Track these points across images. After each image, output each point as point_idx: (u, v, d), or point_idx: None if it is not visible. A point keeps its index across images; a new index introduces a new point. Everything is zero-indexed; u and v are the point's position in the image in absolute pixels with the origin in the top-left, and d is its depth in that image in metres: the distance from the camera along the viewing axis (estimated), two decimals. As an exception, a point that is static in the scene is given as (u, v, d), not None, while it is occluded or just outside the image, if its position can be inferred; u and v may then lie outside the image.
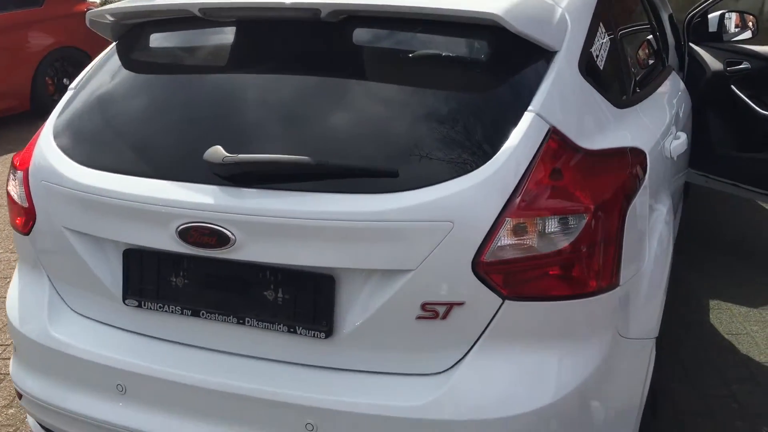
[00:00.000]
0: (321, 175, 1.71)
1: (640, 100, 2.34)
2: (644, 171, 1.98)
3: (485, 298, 1.67)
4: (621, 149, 1.90)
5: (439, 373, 1.73)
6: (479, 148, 1.70)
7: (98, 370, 1.94)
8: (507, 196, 1.65)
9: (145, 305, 1.92)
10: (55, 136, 2.06)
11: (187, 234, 1.77)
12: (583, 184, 1.71)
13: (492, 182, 1.65)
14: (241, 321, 1.82)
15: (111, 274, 1.95)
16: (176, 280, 1.88)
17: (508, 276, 1.66)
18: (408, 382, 1.74)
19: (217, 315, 1.84)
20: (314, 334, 1.76)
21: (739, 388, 2.87)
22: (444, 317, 1.69)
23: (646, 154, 2.02)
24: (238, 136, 1.82)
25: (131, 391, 1.91)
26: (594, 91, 1.96)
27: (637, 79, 2.52)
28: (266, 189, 1.73)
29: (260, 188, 1.73)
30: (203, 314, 1.86)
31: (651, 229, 2.01)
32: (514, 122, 1.72)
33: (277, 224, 1.70)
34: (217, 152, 1.74)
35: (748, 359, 3.09)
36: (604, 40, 2.14)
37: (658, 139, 2.26)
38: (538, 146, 1.71)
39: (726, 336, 3.29)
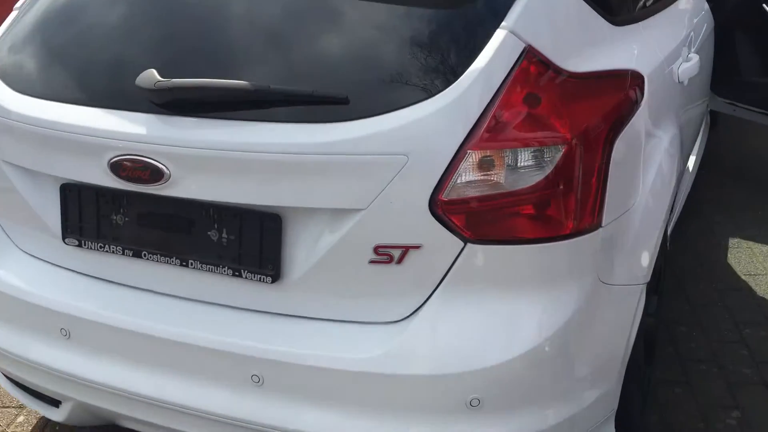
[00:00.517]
0: (262, 102, 1.52)
1: (647, 17, 2.07)
2: (640, 96, 1.74)
3: (445, 241, 1.48)
4: (612, 72, 1.67)
5: (396, 322, 1.56)
6: (441, 71, 1.48)
7: (41, 313, 1.81)
8: (470, 126, 1.44)
9: (85, 245, 1.77)
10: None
11: (119, 167, 1.60)
12: (562, 110, 1.49)
13: (453, 109, 1.44)
14: (184, 263, 1.67)
15: (50, 211, 1.80)
16: (116, 218, 1.72)
17: (470, 216, 1.47)
18: (361, 331, 1.57)
19: (159, 256, 1.69)
20: (260, 278, 1.60)
21: (751, 333, 2.67)
22: (399, 262, 1.51)
23: (644, 78, 1.79)
24: (177, 60, 1.63)
25: (75, 337, 1.78)
26: (585, 6, 1.71)
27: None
28: (203, 118, 1.55)
29: (196, 117, 1.55)
30: (145, 255, 1.70)
31: (647, 162, 1.78)
32: (484, 41, 1.50)
33: (215, 157, 1.52)
34: (150, 76, 1.55)
35: (764, 302, 2.88)
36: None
37: (662, 61, 2.01)
38: (509, 68, 1.48)
39: (743, 276, 3.08)
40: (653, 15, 2.13)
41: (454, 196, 1.45)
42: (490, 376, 1.51)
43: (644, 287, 1.76)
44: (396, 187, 1.45)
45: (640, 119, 1.72)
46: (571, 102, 1.52)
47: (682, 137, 2.19)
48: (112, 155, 1.60)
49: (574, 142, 1.48)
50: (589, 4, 1.73)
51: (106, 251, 1.74)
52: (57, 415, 1.97)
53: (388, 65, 1.51)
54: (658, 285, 2.30)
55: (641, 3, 2.07)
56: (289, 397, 1.59)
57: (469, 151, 1.43)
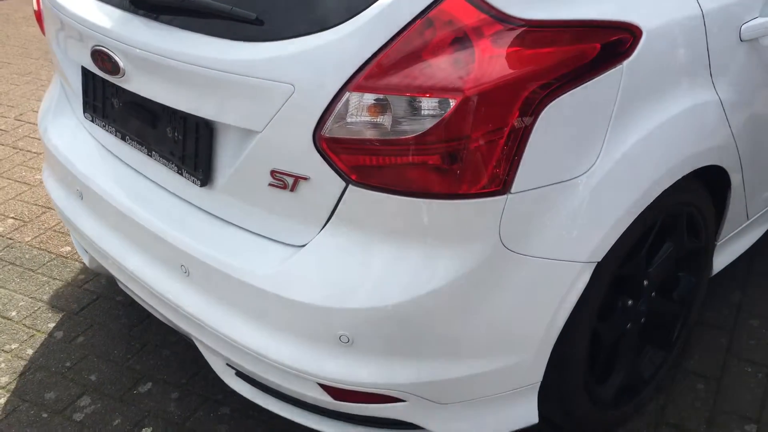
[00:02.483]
0: (190, 11, 1.58)
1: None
2: (620, 54, 1.51)
3: (329, 178, 1.47)
4: (576, 22, 1.46)
5: (298, 246, 1.60)
6: (346, 3, 1.42)
7: (67, 175, 2.09)
8: (358, 65, 1.38)
9: (95, 121, 2.00)
10: None
11: (96, 56, 1.77)
12: (466, 60, 1.37)
13: (344, 45, 1.39)
14: (150, 153, 1.83)
15: (78, 87, 2.04)
16: (114, 101, 1.91)
17: (351, 158, 1.44)
18: (269, 248, 1.64)
19: (135, 143, 1.86)
20: (192, 180, 1.71)
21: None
22: (292, 189, 1.53)
23: (639, 33, 1.54)
24: None
25: (85, 199, 2.05)
26: (572, -61, 1.50)
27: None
28: (151, 20, 1.65)
29: (148, 18, 1.65)
30: (127, 139, 1.89)
31: (623, 132, 1.56)
32: (404, -27, 1.40)
33: (149, 59, 1.63)
34: (117, -23, 1.67)
35: None
36: None
37: (702, 14, 1.68)
38: (424, 7, 1.38)
39: None
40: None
41: (333, 134, 1.42)
42: (360, 318, 1.51)
43: (588, 267, 1.59)
44: (284, 116, 1.46)
45: (611, 80, 1.51)
46: (489, 53, 1.38)
47: (738, 106, 1.85)
48: (92, 44, 1.77)
49: (471, 97, 1.36)
50: (581, -60, 1.50)
51: (107, 130, 1.96)
52: (86, 259, 2.30)
53: (304, -10, 1.47)
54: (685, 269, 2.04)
55: None
56: (206, 293, 1.72)
57: (348, 92, 1.39)
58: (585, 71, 1.46)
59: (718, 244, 2.16)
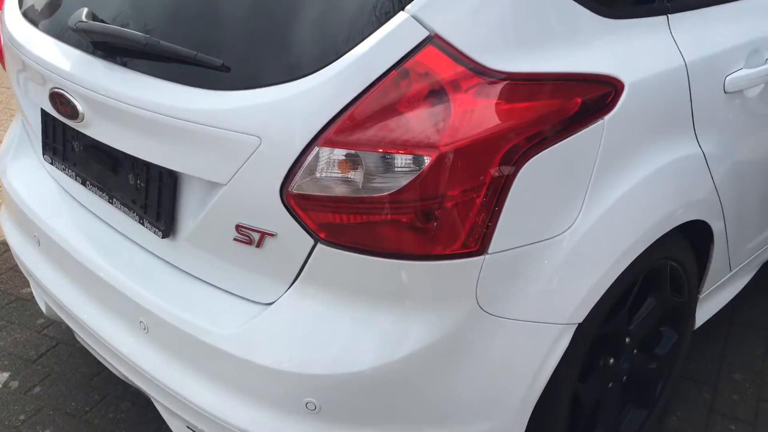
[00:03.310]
0: (153, 56, 1.50)
1: (690, 8, 1.69)
2: (601, 109, 1.46)
3: (296, 235, 1.39)
4: (557, 75, 1.41)
5: (264, 304, 1.51)
6: (320, 52, 1.35)
7: (25, 220, 1.99)
8: (328, 118, 1.31)
9: (55, 164, 1.90)
10: None
11: (54, 99, 1.68)
12: (443, 115, 1.30)
13: (313, 97, 1.32)
14: (110, 200, 1.74)
15: (38, 127, 1.95)
16: (75, 144, 1.82)
17: (319, 215, 1.36)
18: (233, 305, 1.55)
19: (95, 188, 1.77)
20: (154, 231, 1.62)
21: None
22: (258, 245, 1.45)
23: (620, 87, 1.48)
24: (112, 6, 1.64)
25: (43, 245, 1.94)
26: (553, -8, 1.44)
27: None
28: (112, 63, 1.57)
29: (107, 61, 1.57)
30: (88, 184, 1.80)
31: (603, 187, 1.50)
32: (378, 24, 1.33)
33: (109, 104, 1.54)
34: (77, 16, 1.59)
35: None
36: None
37: (688, 64, 1.64)
38: (398, 58, 1.31)
39: None
40: (705, 6, 1.73)
41: (301, 190, 1.34)
42: (328, 384, 1.42)
43: (569, 329, 1.52)
44: (250, 169, 1.38)
45: (593, 135, 1.45)
46: (466, 107, 1.32)
47: (722, 159, 1.80)
48: (50, 86, 1.68)
49: (446, 153, 1.29)
50: (562, -9, 1.45)
51: (67, 174, 1.86)
52: (42, 306, 2.19)
53: (273, 38, 1.40)
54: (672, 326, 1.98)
55: None
56: (165, 351, 1.62)
57: (317, 147, 1.31)
58: (565, 126, 1.40)
59: (701, 297, 2.10)
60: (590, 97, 1.44)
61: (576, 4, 1.46)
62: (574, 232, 1.46)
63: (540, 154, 1.37)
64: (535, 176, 1.38)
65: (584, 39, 1.47)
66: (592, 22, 1.49)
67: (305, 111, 1.32)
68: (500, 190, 1.35)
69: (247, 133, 1.35)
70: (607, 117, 1.47)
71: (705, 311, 2.17)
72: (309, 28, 1.38)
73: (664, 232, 1.63)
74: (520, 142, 1.35)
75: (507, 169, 1.34)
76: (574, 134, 1.42)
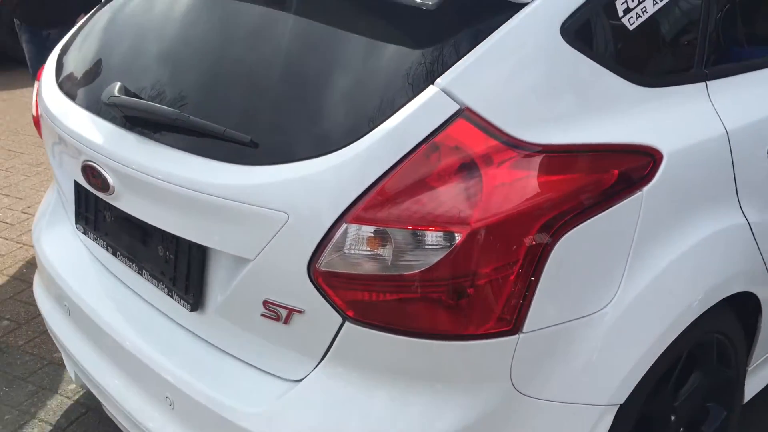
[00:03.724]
0: (182, 131, 1.50)
1: (728, 74, 1.65)
2: (639, 180, 1.41)
3: (324, 313, 1.35)
4: (594, 146, 1.37)
5: (295, 381, 1.46)
6: (349, 127, 1.33)
7: (57, 289, 1.99)
8: (356, 194, 1.28)
9: (87, 234, 1.90)
10: (57, 55, 2.08)
11: (86, 171, 1.69)
12: (476, 189, 1.27)
13: (341, 172, 1.30)
14: (140, 271, 1.72)
15: (71, 197, 1.96)
16: (107, 214, 1.82)
17: (347, 292, 1.32)
18: (263, 381, 1.51)
19: (125, 259, 1.76)
20: (183, 303, 1.60)
21: None
22: (286, 322, 1.41)
23: (659, 157, 1.44)
24: (145, 81, 1.65)
25: (73, 315, 1.93)
26: (588, 61, 1.40)
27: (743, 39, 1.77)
28: (143, 137, 1.57)
29: (139, 135, 1.57)
30: (118, 255, 1.79)
31: (643, 261, 1.44)
32: (408, 99, 1.31)
33: (139, 178, 1.54)
34: (110, 91, 1.60)
35: None
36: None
37: (729, 132, 1.58)
38: (428, 132, 1.29)
39: None
40: (744, 72, 1.69)
41: (329, 267, 1.31)
42: (358, 468, 1.36)
43: (609, 410, 1.45)
44: (278, 245, 1.35)
45: (631, 207, 1.40)
46: (498, 181, 1.28)
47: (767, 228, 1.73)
48: (83, 159, 1.69)
49: (478, 230, 1.25)
50: (595, 59, 1.41)
51: (98, 243, 1.86)
52: (71, 374, 2.17)
53: (301, 113, 1.39)
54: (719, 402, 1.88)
55: (708, 57, 1.62)
56: (191, 429, 1.58)
57: (345, 224, 1.28)
58: (602, 199, 1.35)
59: (750, 369, 2.00)
60: (627, 169, 1.39)
61: (610, 73, 1.43)
62: (614, 308, 1.40)
63: (576, 228, 1.33)
64: (571, 251, 1.33)
65: (620, 108, 1.43)
66: (628, 91, 1.45)
67: (333, 186, 1.30)
68: (534, 266, 1.30)
69: (274, 208, 1.33)
70: (645, 188, 1.42)
71: (755, 384, 2.07)
72: (338, 103, 1.37)
73: (710, 305, 1.56)
74: (554, 216, 1.30)
75: (541, 245, 1.29)
76: (611, 207, 1.37)
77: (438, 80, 1.31)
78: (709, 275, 1.55)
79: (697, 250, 1.52)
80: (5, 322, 2.99)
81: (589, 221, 1.34)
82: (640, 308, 1.43)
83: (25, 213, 4.03)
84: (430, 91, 1.30)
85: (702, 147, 1.53)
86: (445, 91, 1.30)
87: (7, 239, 3.72)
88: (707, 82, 1.59)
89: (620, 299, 1.41)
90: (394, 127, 1.29)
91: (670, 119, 1.49)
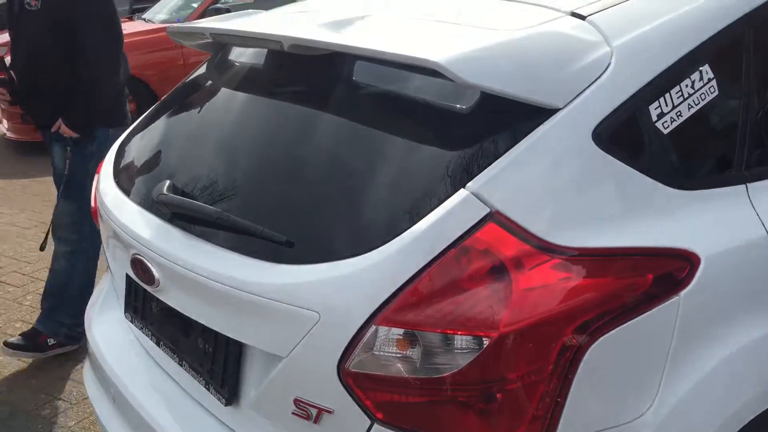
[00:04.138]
0: (222, 227, 1.55)
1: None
2: (676, 285, 1.39)
3: (353, 413, 1.36)
4: (628, 249, 1.36)
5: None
6: (381, 228, 1.36)
7: (104, 375, 2.04)
8: (385, 296, 1.30)
9: (134, 322, 1.96)
10: (116, 149, 2.19)
11: (134, 264, 1.75)
12: (504, 294, 1.27)
13: (371, 274, 1.32)
14: (180, 362, 1.76)
15: (122, 286, 2.03)
16: (153, 305, 1.88)
17: (376, 394, 1.32)
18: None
19: (168, 350, 1.81)
20: (218, 397, 1.62)
21: None
22: (316, 421, 1.42)
23: (696, 261, 1.41)
24: (193, 180, 1.73)
25: (118, 403, 1.97)
26: (621, 165, 1.41)
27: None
28: (187, 233, 1.63)
29: (184, 232, 1.64)
30: (161, 345, 1.84)
31: (684, 370, 1.40)
32: (438, 202, 1.34)
33: (180, 273, 1.59)
34: (159, 188, 1.68)
35: None
36: (699, 90, 1.53)
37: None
38: (457, 236, 1.31)
39: None
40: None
41: (358, 368, 1.32)
42: None
43: None
44: (309, 344, 1.37)
45: (667, 313, 1.37)
46: (528, 285, 1.28)
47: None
48: (132, 252, 1.76)
49: (507, 335, 1.25)
50: (631, 164, 1.42)
51: (144, 333, 1.91)
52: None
53: (335, 215, 1.44)
54: None
55: (748, 158, 1.58)
56: None
57: (374, 325, 1.29)
58: (636, 304, 1.33)
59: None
60: (663, 273, 1.37)
61: (644, 176, 1.43)
62: (648, 420, 1.36)
63: (609, 334, 1.31)
64: (604, 358, 1.31)
65: (655, 212, 1.43)
66: (663, 194, 1.45)
67: (363, 288, 1.32)
68: (566, 373, 1.28)
69: (306, 307, 1.36)
70: (682, 293, 1.39)
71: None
72: (370, 205, 1.40)
73: (752, 417, 1.50)
74: (586, 322, 1.29)
75: (572, 351, 1.28)
76: (645, 312, 1.34)
77: (469, 184, 1.33)
78: (750, 386, 1.50)
79: (738, 359, 1.47)
80: (58, 402, 3.05)
81: (622, 327, 1.32)
82: (676, 421, 1.39)
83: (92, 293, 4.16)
84: (461, 194, 1.33)
85: (743, 251, 1.50)
86: (475, 194, 1.32)
87: (66, 319, 3.83)
88: (747, 184, 1.57)
89: (655, 411, 1.37)
90: (425, 230, 1.31)
91: (709, 222, 1.47)
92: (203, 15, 7.39)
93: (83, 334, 3.37)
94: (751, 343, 1.49)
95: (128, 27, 7.67)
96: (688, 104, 1.50)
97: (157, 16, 7.91)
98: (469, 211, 1.31)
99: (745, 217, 1.54)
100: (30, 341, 3.29)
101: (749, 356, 1.49)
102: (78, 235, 3.27)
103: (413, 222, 1.33)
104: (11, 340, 3.31)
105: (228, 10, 6.88)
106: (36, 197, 5.80)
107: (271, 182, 1.59)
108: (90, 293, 3.36)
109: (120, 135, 2.25)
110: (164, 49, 6.97)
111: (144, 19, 7.88)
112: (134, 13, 8.52)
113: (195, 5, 7.74)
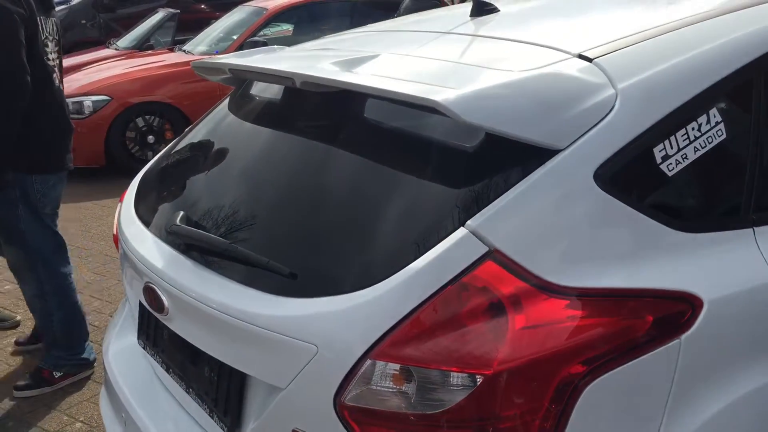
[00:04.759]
0: (230, 259, 1.59)
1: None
2: (677, 328, 1.38)
3: (349, 448, 1.36)
4: (627, 291, 1.36)
5: None
6: (380, 264, 1.38)
7: (116, 398, 2.08)
8: (382, 331, 1.31)
9: (146, 348, 2.00)
10: (139, 179, 2.25)
11: (146, 292, 1.79)
12: (500, 333, 1.27)
13: (369, 309, 1.34)
14: (187, 389, 1.79)
15: (137, 312, 2.07)
16: (164, 333, 1.92)
17: (372, 428, 1.33)
18: None
19: (177, 376, 1.84)
20: (221, 425, 1.64)
21: None
22: (312, 454, 1.43)
23: (699, 304, 1.40)
24: (205, 213, 1.77)
25: (129, 428, 2.01)
26: (623, 206, 1.41)
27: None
28: (197, 264, 1.67)
29: (193, 262, 1.67)
30: (171, 371, 1.87)
31: (684, 416, 1.39)
32: (437, 240, 1.35)
33: (187, 302, 1.63)
34: (171, 219, 1.73)
35: None
36: (706, 133, 1.53)
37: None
38: (454, 275, 1.32)
39: None
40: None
41: (354, 402, 1.33)
42: None
43: None
44: (307, 376, 1.39)
45: (667, 356, 1.36)
46: (524, 324, 1.29)
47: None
48: (145, 280, 1.80)
49: (501, 373, 1.25)
50: (633, 205, 1.42)
51: (155, 359, 1.95)
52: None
53: (339, 249, 1.46)
54: None
55: (756, 201, 1.56)
56: None
57: (370, 360, 1.31)
58: (634, 346, 1.33)
59: None
60: (663, 315, 1.37)
61: (647, 218, 1.43)
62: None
63: (605, 376, 1.30)
64: (600, 401, 1.30)
65: (657, 254, 1.42)
66: (666, 237, 1.44)
67: (361, 322, 1.34)
68: (560, 414, 1.28)
69: (304, 340, 1.38)
70: (683, 336, 1.38)
71: None
72: (371, 241, 1.42)
73: None
74: (582, 362, 1.29)
75: (567, 392, 1.27)
76: (645, 354, 1.34)
77: (469, 222, 1.35)
78: None
79: (741, 407, 1.44)
80: (79, 424, 3.10)
81: (620, 369, 1.31)
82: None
83: (112, 317, 4.23)
84: (461, 232, 1.34)
85: (748, 296, 1.48)
86: (474, 233, 1.33)
87: (93, 342, 3.90)
88: (755, 227, 1.55)
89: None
90: (424, 266, 1.33)
91: (713, 266, 1.46)
92: (241, 48, 7.57)
93: (90, 358, 3.46)
94: (754, 391, 1.46)
95: (168, 58, 7.90)
96: (695, 147, 1.50)
97: (196, 47, 8.10)
98: (468, 249, 1.33)
99: (752, 261, 1.52)
100: (34, 379, 3.38)
101: (751, 405, 1.46)
102: (35, 276, 3.27)
103: (413, 258, 1.34)
104: (19, 383, 3.39)
105: (265, 43, 7.01)
106: None
107: (278, 215, 1.62)
108: (80, 321, 3.44)
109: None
110: (201, 80, 7.11)
111: (184, 51, 8.08)
112: (176, 44, 8.73)
113: (235, 37, 7.91)
